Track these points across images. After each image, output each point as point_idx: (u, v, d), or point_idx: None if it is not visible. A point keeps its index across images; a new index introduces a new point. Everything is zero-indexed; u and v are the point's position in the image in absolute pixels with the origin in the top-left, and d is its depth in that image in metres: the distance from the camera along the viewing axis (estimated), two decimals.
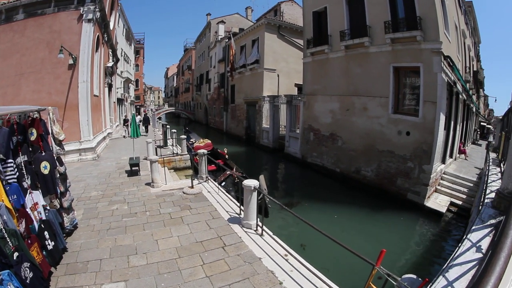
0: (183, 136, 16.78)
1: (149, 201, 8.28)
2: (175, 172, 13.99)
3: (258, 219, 6.42)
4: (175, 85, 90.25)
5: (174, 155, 15.28)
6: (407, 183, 13.04)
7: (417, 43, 12.85)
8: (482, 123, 43.35)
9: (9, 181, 4.08)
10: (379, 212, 12.08)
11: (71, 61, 14.20)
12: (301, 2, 21.50)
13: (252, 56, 29.29)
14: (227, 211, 7.44)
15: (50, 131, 5.63)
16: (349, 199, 13.64)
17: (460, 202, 12.53)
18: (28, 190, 4.49)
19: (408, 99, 13.71)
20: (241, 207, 7.00)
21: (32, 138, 4.93)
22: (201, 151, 10.66)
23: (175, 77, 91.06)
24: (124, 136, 23.45)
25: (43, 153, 5.10)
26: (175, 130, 19.26)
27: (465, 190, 12.98)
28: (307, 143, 19.48)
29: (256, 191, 6.20)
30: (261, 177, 9.85)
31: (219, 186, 9.68)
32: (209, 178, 10.48)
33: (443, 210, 11.98)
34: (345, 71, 16.48)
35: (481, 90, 35.39)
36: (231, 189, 11.62)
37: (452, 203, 12.58)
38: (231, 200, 8.44)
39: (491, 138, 30.87)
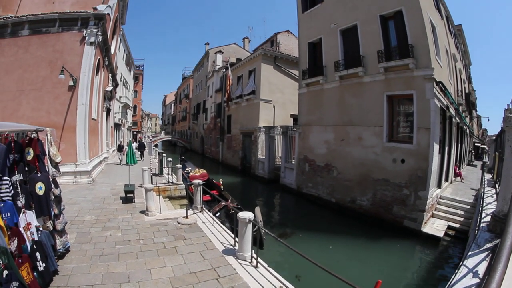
0: (179, 165, 16.76)
1: (143, 229, 8.19)
2: (170, 201, 13.89)
3: (253, 250, 6.35)
4: (172, 113, 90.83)
5: (169, 184, 15.20)
6: (403, 210, 13.01)
7: (410, 70, 13.21)
8: (476, 144, 43.82)
9: (3, 198, 4.08)
10: (375, 241, 11.96)
11: (71, 83, 14.37)
12: (297, 32, 22.02)
13: (249, 86, 29.73)
14: (221, 242, 7.35)
15: (47, 152, 5.63)
16: (345, 229, 13.51)
17: (457, 225, 12.54)
18: (22, 210, 4.47)
19: (402, 127, 13.89)
20: (236, 238, 6.95)
21: (29, 157, 4.95)
22: (196, 181, 10.62)
23: (172, 105, 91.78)
24: (119, 162, 23.26)
25: (39, 174, 5.10)
26: (171, 159, 19.25)
27: (462, 212, 13.01)
28: (303, 173, 19.48)
29: (251, 223, 6.19)
30: (257, 209, 9.83)
31: (214, 217, 9.60)
32: (204, 208, 10.43)
33: (441, 234, 11.92)
34: (340, 102, 16.74)
35: (473, 111, 35.92)
36: (226, 220, 11.51)
37: (449, 227, 12.57)
38: (226, 231, 8.35)
39: (485, 158, 31.08)
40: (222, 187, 16.42)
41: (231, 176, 27.91)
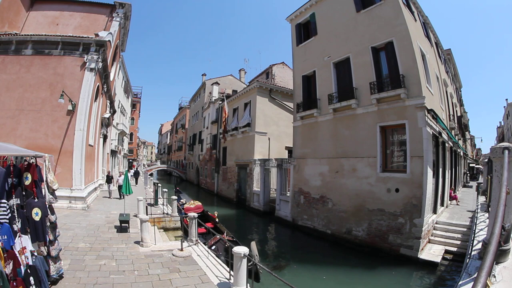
0: (174, 197, 16.69)
1: (138, 260, 8.09)
2: (165, 232, 13.78)
3: (248, 284, 6.33)
4: (168, 142, 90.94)
5: (165, 215, 15.10)
6: (399, 239, 12.94)
7: (402, 100, 13.54)
8: (471, 165, 43.92)
9: (0, 221, 4.12)
10: (372, 270, 11.86)
11: (70, 107, 14.54)
12: (291, 64, 22.57)
13: (244, 119, 30.01)
14: (216, 276, 7.29)
15: (44, 179, 5.68)
16: (341, 260, 13.38)
17: (455, 249, 12.47)
18: (18, 234, 4.48)
19: (396, 156, 14.05)
20: (231, 272, 6.90)
21: (27, 182, 4.99)
22: (191, 214, 10.62)
23: (168, 134, 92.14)
24: (109, 196, 19.89)
25: (36, 200, 5.13)
26: (166, 189, 19.19)
27: (459, 236, 12.96)
28: (298, 206, 19.40)
29: (246, 258, 6.18)
30: (253, 243, 9.82)
31: (209, 250, 9.53)
32: (199, 241, 10.37)
33: (438, 260, 11.82)
34: (334, 134, 16.96)
35: (466, 132, 36.24)
36: (221, 254, 11.38)
37: (447, 251, 12.48)
38: (221, 264, 8.30)
39: (480, 179, 30.95)
40: (217, 220, 16.28)
41: (226, 208, 27.69)
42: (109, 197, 19.73)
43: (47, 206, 5.54)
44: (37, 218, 5.01)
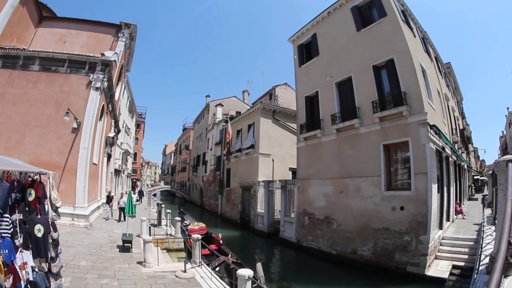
0: (178, 218, 16.61)
1: (140, 281, 8.02)
2: (168, 253, 13.62)
3: None
4: (172, 163, 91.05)
5: (168, 236, 14.99)
6: (405, 257, 12.71)
7: (404, 118, 13.58)
8: (475, 177, 43.36)
9: (2, 235, 4.13)
10: None
11: (75, 125, 14.70)
12: (294, 84, 22.81)
13: (248, 140, 30.14)
14: None
15: (48, 196, 5.69)
16: (346, 280, 13.17)
17: (462, 264, 12.24)
18: (20, 249, 4.46)
19: (400, 174, 13.98)
20: None
21: (30, 198, 5.01)
22: (195, 235, 10.63)
23: (172, 155, 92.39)
24: (107, 217, 18.48)
25: (39, 216, 5.13)
26: (169, 210, 19.12)
27: (466, 250, 12.73)
28: (302, 227, 19.18)
29: (251, 280, 6.16)
30: (258, 265, 9.79)
31: (213, 272, 9.43)
32: (203, 263, 10.28)
33: (446, 275, 11.59)
34: (338, 154, 16.93)
35: (469, 145, 36.05)
36: (225, 276, 11.26)
37: (454, 266, 12.24)
38: (225, 286, 8.23)
39: (485, 191, 30.40)
40: (221, 241, 16.14)
41: (230, 229, 27.45)
42: (106, 219, 18.10)
43: (50, 223, 5.53)
44: (39, 235, 5.00)
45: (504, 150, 65.34)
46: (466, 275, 11.40)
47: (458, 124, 26.64)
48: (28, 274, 4.56)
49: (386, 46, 15.01)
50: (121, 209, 18.19)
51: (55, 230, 5.83)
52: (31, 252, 4.80)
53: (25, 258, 4.53)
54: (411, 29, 16.15)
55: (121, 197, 19.20)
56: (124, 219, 14.15)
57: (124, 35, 19.71)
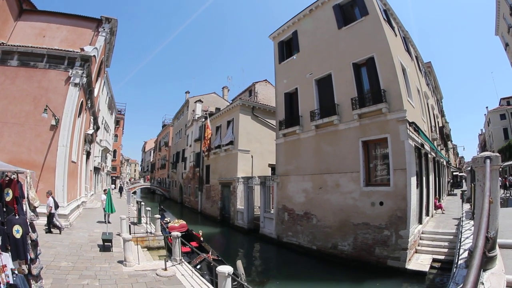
0: (158, 216, 16.44)
1: (121, 280, 7.94)
2: (149, 251, 13.45)
3: None
4: (151, 160, 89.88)
5: (148, 234, 14.84)
6: (385, 251, 13.00)
7: (383, 115, 13.84)
8: (454, 173, 44.74)
9: None
10: (359, 284, 11.91)
11: (53, 122, 14.34)
12: (274, 81, 22.82)
13: (227, 137, 30.03)
14: None
15: (26, 195, 5.57)
16: (327, 275, 13.37)
17: (442, 257, 12.62)
18: None
19: (379, 170, 14.24)
20: None
21: (8, 198, 4.90)
22: (175, 233, 10.59)
23: (152, 152, 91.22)
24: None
25: (17, 217, 5.02)
26: (149, 208, 18.94)
27: (446, 243, 13.12)
28: (282, 223, 19.33)
29: (231, 277, 6.18)
30: (239, 262, 9.84)
31: (194, 270, 9.43)
32: (183, 260, 10.29)
33: (426, 269, 11.93)
34: (317, 150, 17.12)
35: (449, 142, 37.12)
36: (206, 273, 11.25)
37: (434, 260, 12.61)
38: (206, 284, 8.24)
39: (464, 186, 31.29)
40: (202, 238, 16.12)
41: (211, 226, 27.45)
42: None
43: (28, 223, 5.42)
44: (18, 236, 4.89)
45: (482, 147, 67.69)
46: (446, 268, 11.78)
47: (438, 122, 27.35)
48: (8, 277, 4.45)
49: (367, 44, 15.24)
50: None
51: (34, 230, 5.69)
52: (10, 254, 4.69)
53: (4, 260, 4.41)
54: (393, 28, 16.45)
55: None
56: (108, 221, 13.91)
57: (104, 29, 19.20)
